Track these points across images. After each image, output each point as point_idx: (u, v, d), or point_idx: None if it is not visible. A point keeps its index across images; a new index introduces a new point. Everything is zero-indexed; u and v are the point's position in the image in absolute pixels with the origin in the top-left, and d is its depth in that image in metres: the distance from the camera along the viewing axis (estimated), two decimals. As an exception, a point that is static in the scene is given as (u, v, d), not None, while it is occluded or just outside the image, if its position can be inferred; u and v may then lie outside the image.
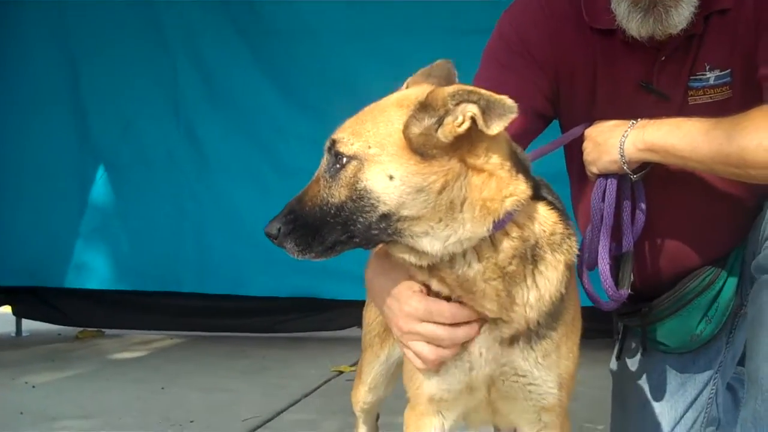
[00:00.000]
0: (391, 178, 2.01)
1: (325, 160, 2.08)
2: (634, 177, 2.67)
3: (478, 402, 2.30)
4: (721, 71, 2.67)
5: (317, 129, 6.07)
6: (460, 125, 1.99)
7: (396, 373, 3.02)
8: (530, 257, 2.15)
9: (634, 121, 2.60)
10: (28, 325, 7.07)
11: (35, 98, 6.68)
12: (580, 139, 2.78)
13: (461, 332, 2.17)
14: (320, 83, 6.27)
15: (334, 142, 2.05)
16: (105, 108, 6.60)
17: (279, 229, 2.03)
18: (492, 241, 2.09)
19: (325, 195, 2.04)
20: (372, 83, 5.90)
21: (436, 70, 2.37)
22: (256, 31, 6.35)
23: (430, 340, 2.19)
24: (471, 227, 2.06)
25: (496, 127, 1.98)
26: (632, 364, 3.15)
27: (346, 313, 6.42)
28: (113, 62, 6.56)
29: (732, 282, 2.84)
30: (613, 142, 2.61)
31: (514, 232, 2.12)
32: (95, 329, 6.94)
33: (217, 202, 6.49)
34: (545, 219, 2.19)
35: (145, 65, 6.54)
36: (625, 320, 3.09)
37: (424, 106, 2.03)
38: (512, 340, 2.19)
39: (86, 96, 6.63)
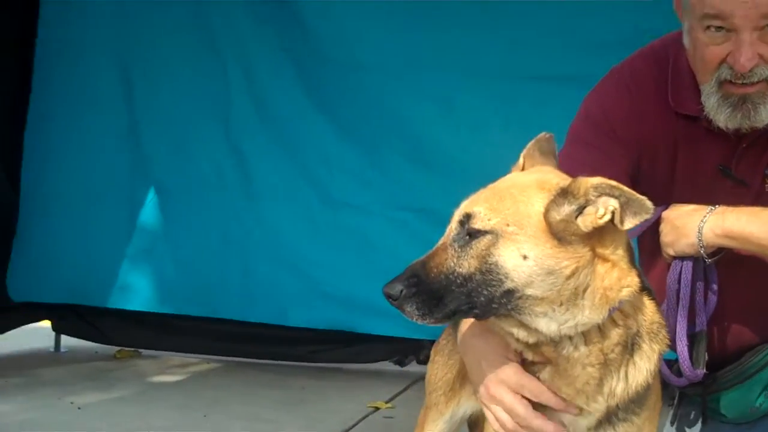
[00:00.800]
0: (525, 257, 2.10)
1: (453, 229, 2.15)
2: (708, 261, 2.77)
3: None
4: None
5: (363, 163, 6.26)
6: (601, 217, 2.10)
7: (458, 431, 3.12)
8: (630, 346, 2.26)
9: (713, 207, 2.69)
10: (65, 341, 7.13)
11: (88, 110, 6.71)
12: (657, 221, 2.88)
13: (539, 421, 2.25)
14: (369, 117, 6.32)
15: (469, 217, 2.13)
16: (158, 128, 6.65)
17: (401, 291, 2.08)
18: (600, 327, 2.19)
19: (452, 264, 2.11)
20: (421, 121, 6.08)
21: (544, 146, 2.46)
22: (309, 60, 6.38)
23: (510, 413, 2.28)
24: (589, 314, 2.16)
25: (629, 224, 2.11)
26: (689, 429, 3.23)
27: (377, 348, 6.55)
28: (169, 83, 6.61)
29: (793, 359, 2.94)
30: (692, 226, 2.70)
31: (621, 321, 2.23)
32: (132, 349, 7.01)
33: (262, 229, 6.53)
34: (648, 309, 2.30)
35: (199, 88, 6.59)
36: (685, 389, 3.17)
37: (566, 193, 2.13)
38: (598, 425, 2.29)
39: (140, 115, 6.67)
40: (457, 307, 2.11)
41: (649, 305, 2.31)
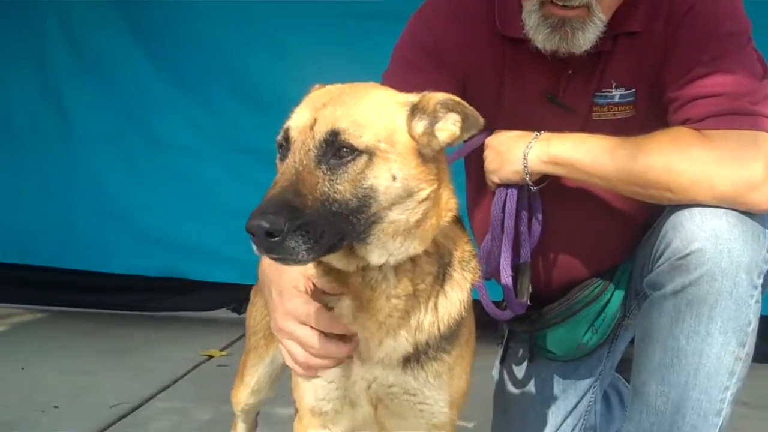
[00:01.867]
0: (394, 178, 1.94)
1: (317, 147, 1.91)
2: (534, 188, 2.69)
3: (364, 418, 2.27)
4: (626, 90, 2.73)
5: (193, 105, 5.99)
6: (455, 133, 2.02)
7: (280, 374, 2.98)
8: (441, 276, 2.13)
9: (538, 133, 2.63)
10: None
11: None
12: (481, 148, 2.79)
13: (333, 347, 2.13)
14: (198, 59, 6.06)
15: (336, 134, 1.91)
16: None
17: (285, 225, 1.78)
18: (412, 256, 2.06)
19: (326, 189, 1.88)
20: (251, 62, 5.85)
21: None
22: (132, 1, 6.08)
23: (303, 345, 2.16)
24: (418, 243, 2.03)
25: (462, 139, 2.04)
26: (516, 370, 3.20)
27: (213, 295, 6.33)
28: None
29: (619, 294, 2.93)
30: (517, 152, 2.64)
31: (433, 249, 2.11)
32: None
33: (82, 173, 6.21)
34: (458, 236, 2.19)
35: (14, 33, 6.19)
36: (513, 326, 3.13)
37: (417, 109, 2.01)
38: (405, 363, 2.16)
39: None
40: (333, 237, 1.89)
41: (459, 232, 2.20)
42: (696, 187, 2.39)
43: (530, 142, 2.62)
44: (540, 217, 2.78)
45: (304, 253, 1.82)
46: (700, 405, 2.43)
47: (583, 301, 2.93)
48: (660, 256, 2.51)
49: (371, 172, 1.92)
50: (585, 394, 3.14)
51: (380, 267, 2.05)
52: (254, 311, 3.00)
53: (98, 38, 6.14)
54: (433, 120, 2.03)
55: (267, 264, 2.28)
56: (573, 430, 3.13)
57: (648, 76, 2.69)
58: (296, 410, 2.36)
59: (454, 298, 2.16)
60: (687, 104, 2.53)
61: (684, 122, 2.51)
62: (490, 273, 2.79)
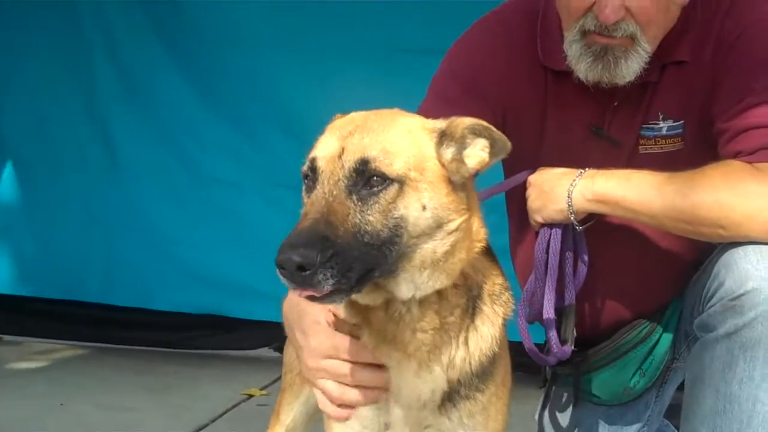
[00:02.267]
0: (424, 208, 1.88)
1: (346, 177, 1.85)
2: (579, 228, 2.59)
3: None
4: (674, 122, 2.64)
5: (237, 139, 5.97)
6: (484, 159, 1.96)
7: (315, 415, 2.88)
8: (471, 310, 2.05)
9: (583, 171, 2.54)
10: None
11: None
12: (523, 185, 2.70)
13: (367, 374, 2.05)
14: (243, 93, 6.04)
15: (366, 162, 1.85)
16: (17, 103, 6.26)
17: (317, 257, 1.71)
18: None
19: (358, 221, 1.82)
20: (295, 97, 5.83)
21: None
22: (179, 34, 6.08)
23: (335, 377, 2.06)
24: (446, 277, 1.95)
25: (492, 164, 1.99)
26: (561, 414, 3.08)
27: (255, 334, 6.24)
28: (28, 56, 6.22)
29: (668, 336, 2.82)
30: (561, 191, 2.54)
31: (460, 280, 2.02)
32: (-8, 335, 6.59)
33: (128, 209, 6.18)
34: (487, 269, 2.11)
35: (62, 62, 6.21)
36: (556, 368, 3.02)
37: (445, 135, 1.95)
38: (442, 403, 2.08)
39: (-1, 91, 6.30)
40: (363, 269, 1.81)
41: (489, 264, 2.12)
42: (749, 223, 2.28)
43: (574, 180, 2.53)
44: (585, 257, 2.68)
45: (331, 287, 1.75)
46: (755, 454, 2.30)
47: (630, 343, 2.82)
48: (712, 297, 2.40)
49: (402, 201, 1.86)
50: (633, 440, 3.01)
51: (404, 302, 1.97)
52: (290, 349, 2.92)
53: (146, 71, 6.13)
54: (461, 146, 1.97)
55: (287, 308, 2.23)
56: (621, 477, 3.00)
57: (697, 107, 2.59)
58: None
59: (485, 333, 2.08)
60: (738, 135, 2.42)
61: (735, 155, 2.40)
62: (533, 316, 2.70)
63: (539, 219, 2.63)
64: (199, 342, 6.38)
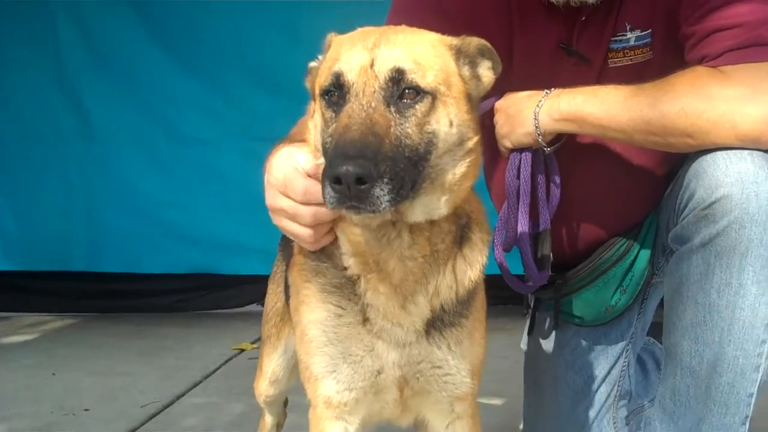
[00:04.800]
0: (451, 123, 1.85)
1: (382, 87, 1.80)
2: (548, 150, 2.56)
3: (383, 405, 2.14)
4: (641, 32, 2.58)
5: (212, 97, 5.90)
6: (493, 78, 1.95)
7: (297, 363, 2.86)
8: (458, 237, 2.02)
9: (548, 91, 2.49)
10: None
11: None
12: (491, 112, 2.66)
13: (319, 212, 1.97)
14: (213, 50, 5.99)
15: (402, 72, 1.80)
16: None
17: (373, 170, 1.65)
18: None
19: (399, 133, 1.77)
20: (265, 51, 5.76)
21: None
22: (146, -3, 6.04)
23: (292, 217, 2.01)
24: (454, 202, 1.92)
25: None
26: (544, 339, 3.07)
27: (246, 290, 6.25)
28: (-8, 30, 6.15)
29: (646, 251, 2.79)
30: (527, 113, 2.50)
31: None
32: (-19, 312, 6.56)
33: (106, 174, 6.15)
34: (473, 196, 2.07)
35: (26, 32, 6.12)
36: (538, 293, 2.99)
37: (461, 52, 1.93)
38: (428, 329, 2.04)
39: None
40: (411, 185, 1.78)
41: (473, 192, 2.07)
42: (717, 129, 2.24)
43: (540, 101, 2.49)
44: (557, 180, 2.64)
45: (387, 203, 1.70)
46: (737, 362, 2.29)
47: (608, 261, 2.79)
48: (684, 208, 2.38)
49: (434, 115, 1.83)
50: (618, 359, 2.99)
51: (394, 223, 1.93)
52: (267, 299, 2.91)
53: (113, 35, 6.07)
54: (474, 64, 1.96)
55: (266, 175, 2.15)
56: (607, 397, 2.99)
57: (663, 14, 2.53)
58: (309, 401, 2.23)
59: (473, 261, 2.05)
60: (703, 39, 2.37)
61: (701, 60, 2.36)
62: (509, 243, 2.66)
63: (508, 144, 2.60)
64: (188, 303, 6.39)
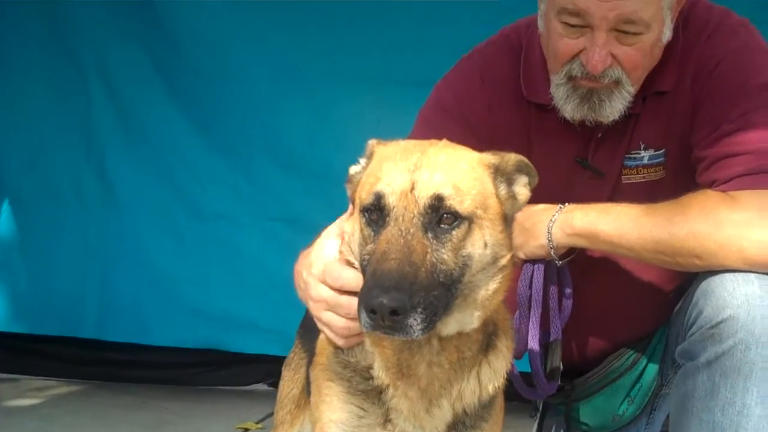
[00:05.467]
0: (485, 245, 1.89)
1: (421, 214, 1.85)
2: (560, 262, 2.62)
3: None
4: (655, 151, 2.67)
5: (235, 173, 5.97)
6: (528, 194, 2.00)
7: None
8: (485, 345, 2.06)
9: (562, 206, 2.57)
10: None
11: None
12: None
13: (345, 298, 2.06)
14: (238, 126, 6.03)
15: (441, 199, 1.85)
16: (13, 139, 6.25)
17: (409, 302, 1.73)
18: None
19: (435, 260, 1.82)
20: (292, 130, 5.85)
21: None
22: (176, 69, 6.06)
23: (332, 308, 2.08)
24: (486, 315, 1.97)
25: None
26: (551, 444, 3.08)
27: (252, 369, 6.23)
28: (23, 90, 6.21)
29: (654, 364, 2.84)
30: (541, 227, 2.57)
31: None
32: (-12, 373, 6.56)
33: (124, 243, 6.15)
34: (500, 305, 2.11)
35: (58, 97, 6.20)
36: (547, 398, 3.01)
37: (499, 170, 1.98)
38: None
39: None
40: (443, 311, 1.84)
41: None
42: (724, 252, 2.30)
43: (554, 215, 2.56)
44: (569, 291, 2.70)
45: (420, 331, 1.77)
46: (740, 481, 2.30)
47: (617, 371, 2.84)
48: (692, 325, 2.42)
49: (470, 239, 1.88)
50: (623, 469, 3.00)
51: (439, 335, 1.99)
52: (282, 385, 2.92)
53: (142, 105, 6.13)
54: (510, 182, 2.01)
55: (297, 267, 2.26)
56: (612, 505, 2.99)
57: (677, 136, 2.63)
58: None
59: (498, 368, 2.10)
60: (714, 164, 2.45)
61: (712, 183, 2.43)
62: (520, 351, 2.71)
63: (522, 255, 2.65)
64: (194, 377, 6.36)
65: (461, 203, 1.87)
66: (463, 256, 1.86)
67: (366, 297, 1.75)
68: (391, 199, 1.88)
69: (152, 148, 6.16)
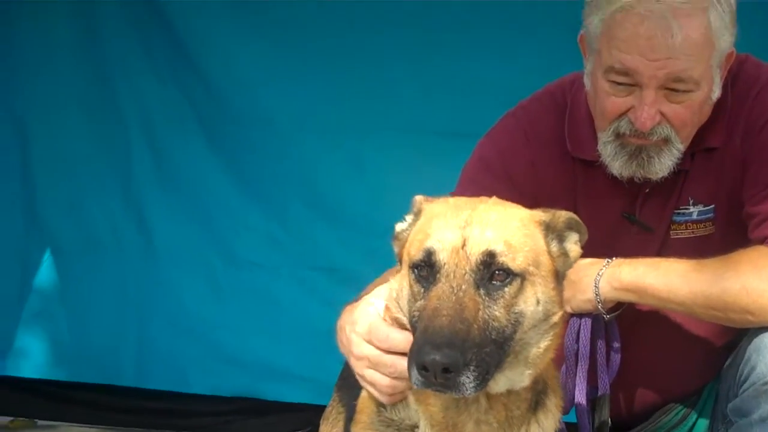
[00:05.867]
0: (538, 302, 1.88)
1: (474, 270, 1.84)
2: (608, 317, 2.60)
3: None
4: (704, 206, 2.66)
5: (271, 222, 5.98)
6: (579, 251, 1.98)
7: None
8: (534, 403, 2.04)
9: (610, 260, 2.55)
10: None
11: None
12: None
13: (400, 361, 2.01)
14: (276, 175, 6.03)
15: (493, 255, 1.84)
16: (54, 187, 6.24)
17: (461, 360, 1.72)
18: None
19: (487, 317, 1.81)
20: (329, 179, 5.88)
21: None
22: (214, 115, 6.07)
23: (375, 366, 2.06)
24: (536, 372, 1.95)
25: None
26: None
27: (288, 417, 6.17)
28: (65, 140, 6.22)
29: (704, 420, 2.82)
30: (588, 281, 2.56)
31: None
32: (27, 419, 6.58)
33: (161, 290, 6.13)
34: (550, 362, 2.09)
35: (98, 145, 6.22)
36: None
37: (549, 227, 1.97)
38: None
39: (36, 173, 6.28)
40: (494, 368, 1.83)
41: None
42: None
43: (601, 269, 2.55)
44: (617, 345, 2.68)
45: (472, 389, 1.76)
46: None
47: (665, 426, 2.82)
48: (744, 381, 2.40)
49: (522, 296, 1.86)
50: None
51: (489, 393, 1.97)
52: (322, 436, 2.91)
53: (182, 153, 6.15)
54: (561, 239, 2.00)
55: (341, 323, 2.25)
56: None
57: (727, 191, 2.63)
58: None
59: (547, 427, 2.08)
60: (766, 220, 2.42)
61: (764, 239, 2.43)
62: (565, 407, 2.67)
63: (568, 309, 2.62)
64: (231, 426, 6.33)
65: (513, 260, 1.86)
66: (516, 313, 1.85)
67: (417, 354, 1.74)
68: (442, 256, 1.87)
69: (190, 197, 6.16)
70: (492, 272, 1.84)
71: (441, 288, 1.84)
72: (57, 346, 6.25)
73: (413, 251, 1.95)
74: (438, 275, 1.86)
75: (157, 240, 6.20)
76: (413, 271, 1.93)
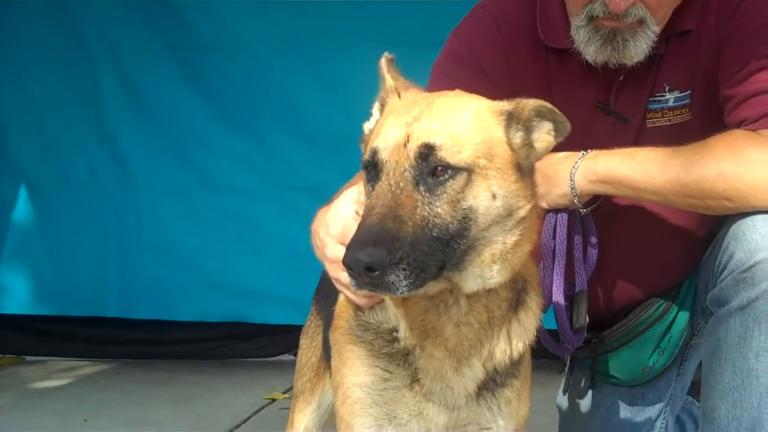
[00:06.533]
0: (494, 197, 1.81)
1: (411, 166, 1.79)
2: (584, 211, 2.55)
3: None
4: (680, 92, 2.60)
5: (248, 146, 5.96)
6: (551, 142, 1.91)
7: (330, 420, 2.84)
8: (515, 302, 2.01)
9: (585, 152, 2.49)
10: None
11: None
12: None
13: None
14: (250, 98, 6.04)
15: (432, 148, 1.78)
16: (25, 125, 6.28)
17: (386, 258, 1.67)
18: None
19: (426, 213, 1.76)
20: (304, 100, 5.82)
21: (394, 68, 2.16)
22: (185, 46, 6.07)
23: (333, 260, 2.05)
24: (510, 270, 1.90)
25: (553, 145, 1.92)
26: (581, 398, 3.04)
27: (277, 339, 6.23)
28: (34, 77, 6.24)
29: (685, 312, 2.78)
30: (563, 174, 2.50)
31: None
32: (15, 356, 6.59)
33: (141, 221, 6.20)
34: (528, 259, 2.05)
35: (67, 81, 6.22)
36: (574, 352, 2.97)
37: (512, 117, 1.89)
38: (478, 390, 2.03)
39: (5, 112, 6.30)
40: (437, 269, 1.77)
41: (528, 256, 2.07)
42: (755, 193, 2.24)
43: (576, 162, 2.49)
44: (594, 240, 2.63)
45: (405, 288, 1.71)
46: (775, 426, 2.26)
47: (646, 322, 2.79)
48: (723, 270, 2.36)
49: (470, 191, 1.80)
50: (655, 420, 2.97)
51: (451, 290, 1.92)
52: (301, 353, 2.89)
53: (153, 83, 6.15)
54: (528, 129, 1.92)
55: (315, 225, 2.22)
56: (644, 459, 2.96)
57: (702, 76, 2.56)
58: None
59: (528, 325, 2.05)
60: (743, 103, 2.38)
61: (740, 123, 2.37)
62: (544, 304, 2.65)
63: (544, 205, 2.57)
64: (219, 351, 6.39)
65: (457, 153, 1.79)
66: (464, 209, 1.79)
67: (345, 254, 1.70)
68: (384, 154, 1.83)
69: (164, 126, 6.18)
70: (432, 167, 1.78)
71: (380, 186, 1.80)
72: (40, 282, 6.31)
73: (365, 152, 1.91)
74: (380, 174, 1.82)
75: (134, 171, 6.24)
76: (365, 172, 1.89)
